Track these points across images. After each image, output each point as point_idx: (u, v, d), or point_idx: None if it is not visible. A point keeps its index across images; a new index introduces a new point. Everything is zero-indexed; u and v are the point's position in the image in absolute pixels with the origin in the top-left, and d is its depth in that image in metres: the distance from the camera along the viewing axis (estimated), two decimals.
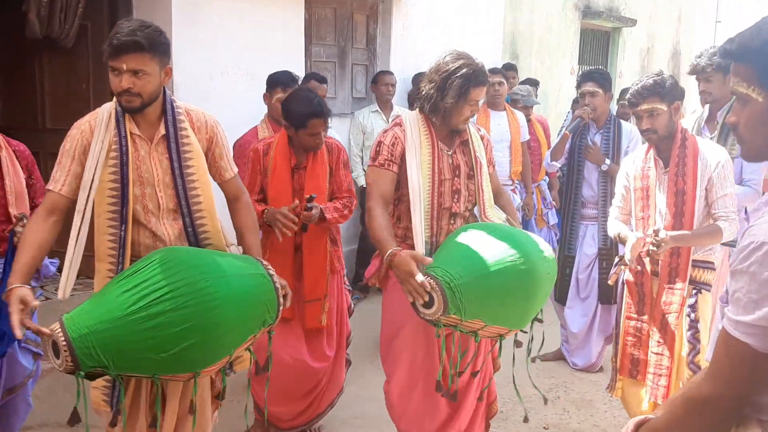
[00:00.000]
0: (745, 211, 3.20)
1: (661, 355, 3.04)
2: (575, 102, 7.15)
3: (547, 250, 2.68)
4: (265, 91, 4.15)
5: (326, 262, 3.38)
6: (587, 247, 4.44)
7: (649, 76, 3.07)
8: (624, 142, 4.28)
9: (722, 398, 1.34)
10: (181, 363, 2.08)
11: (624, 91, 6.07)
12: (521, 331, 2.74)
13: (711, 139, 3.87)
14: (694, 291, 3.07)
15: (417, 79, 6.05)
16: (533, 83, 6.94)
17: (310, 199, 3.17)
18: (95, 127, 2.35)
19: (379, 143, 2.80)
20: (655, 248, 2.90)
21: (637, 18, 10.75)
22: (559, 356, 4.67)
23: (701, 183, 3.00)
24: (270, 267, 2.36)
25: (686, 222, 3.01)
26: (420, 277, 2.37)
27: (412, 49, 6.49)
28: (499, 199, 3.01)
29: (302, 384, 3.46)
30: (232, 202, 2.64)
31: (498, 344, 2.75)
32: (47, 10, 4.40)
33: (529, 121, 5.89)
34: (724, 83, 3.71)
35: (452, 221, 2.83)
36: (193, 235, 2.46)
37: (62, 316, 2.06)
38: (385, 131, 2.85)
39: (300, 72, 5.29)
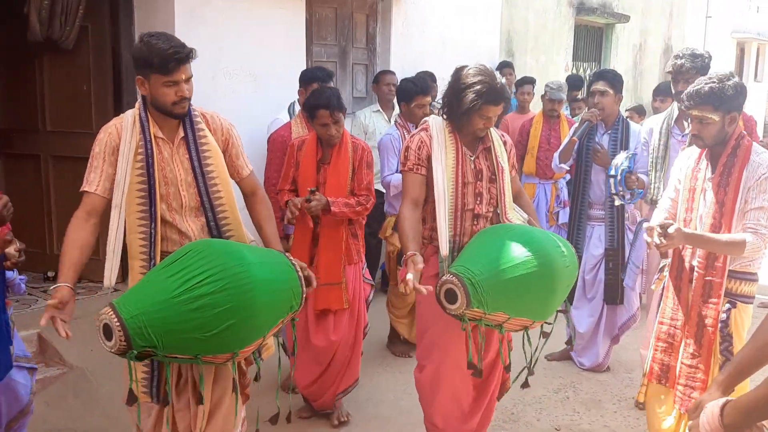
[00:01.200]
0: None
1: (696, 368, 2.90)
2: (573, 100, 7.17)
3: (565, 245, 2.82)
4: (299, 86, 4.34)
5: (341, 250, 3.61)
6: (594, 248, 4.45)
7: (711, 79, 2.81)
8: (632, 144, 4.26)
9: None
10: (222, 343, 2.24)
11: (657, 90, 6.14)
12: (546, 323, 2.87)
13: (683, 137, 3.90)
14: (728, 305, 2.87)
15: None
16: (530, 81, 6.93)
17: (312, 192, 3.44)
18: (122, 131, 2.52)
19: (407, 148, 2.97)
20: (659, 241, 2.74)
21: (629, 14, 10.79)
22: (565, 356, 4.68)
23: (742, 195, 2.80)
24: (291, 257, 2.54)
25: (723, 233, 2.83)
26: (409, 275, 2.58)
27: (412, 48, 6.47)
28: (519, 200, 3.17)
29: (315, 363, 3.68)
30: (249, 196, 2.81)
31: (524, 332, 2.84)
32: (48, 11, 4.36)
33: (558, 117, 5.88)
34: None
35: (475, 222, 2.96)
36: (216, 230, 2.62)
37: (111, 300, 2.20)
38: (412, 136, 3.01)
39: None
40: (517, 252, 2.61)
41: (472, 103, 2.79)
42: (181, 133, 2.57)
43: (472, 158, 2.96)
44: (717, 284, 2.85)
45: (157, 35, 2.45)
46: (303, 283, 2.48)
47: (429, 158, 2.91)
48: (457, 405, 3.09)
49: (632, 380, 4.41)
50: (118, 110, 4.72)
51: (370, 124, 5.60)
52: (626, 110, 7.48)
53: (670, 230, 2.70)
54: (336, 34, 5.92)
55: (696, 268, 2.92)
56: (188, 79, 2.48)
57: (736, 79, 2.83)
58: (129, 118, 2.55)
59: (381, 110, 5.67)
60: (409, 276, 2.58)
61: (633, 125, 4.40)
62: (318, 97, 3.55)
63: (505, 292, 2.58)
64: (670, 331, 3.02)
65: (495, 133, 3.05)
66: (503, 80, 2.95)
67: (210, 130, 2.62)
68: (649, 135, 4.16)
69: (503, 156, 3.03)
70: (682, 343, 2.96)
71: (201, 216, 2.61)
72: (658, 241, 2.74)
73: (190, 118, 2.57)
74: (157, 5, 4.56)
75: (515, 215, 3.02)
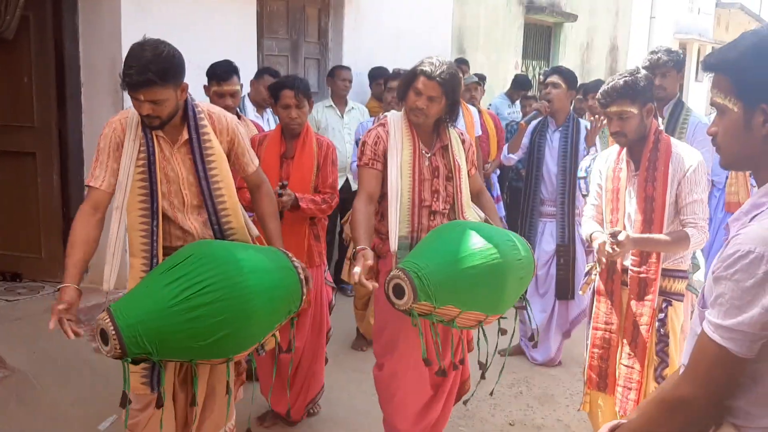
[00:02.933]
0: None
1: (632, 368, 2.88)
2: (524, 98, 7.25)
3: (519, 241, 2.82)
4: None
5: (302, 250, 3.47)
6: (546, 244, 4.50)
7: (622, 75, 2.85)
8: (582, 141, 4.32)
9: (698, 400, 1.37)
10: (217, 350, 2.28)
11: (581, 87, 6.19)
12: (502, 317, 2.87)
13: None
14: (665, 303, 2.90)
15: (374, 73, 6.02)
16: (480, 78, 6.98)
17: (282, 186, 3.31)
18: (126, 127, 2.52)
19: (363, 143, 2.97)
20: (611, 251, 2.75)
21: (577, 13, 10.97)
22: (518, 351, 4.72)
23: (671, 189, 2.83)
24: (294, 258, 2.55)
25: (655, 229, 2.84)
26: (356, 269, 2.57)
27: (364, 43, 6.44)
28: (480, 198, 3.18)
29: (279, 373, 3.54)
30: (254, 191, 2.84)
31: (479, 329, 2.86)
32: None
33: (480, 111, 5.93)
34: (677, 79, 3.86)
35: (432, 218, 2.97)
36: (219, 232, 2.63)
37: (109, 305, 2.21)
38: (369, 131, 3.01)
39: (253, 66, 5.18)
40: (466, 245, 2.61)
41: (409, 75, 2.88)
42: (185, 135, 2.56)
43: (429, 155, 2.97)
44: (651, 281, 2.85)
45: (144, 46, 2.37)
46: (303, 285, 2.49)
47: (385, 154, 2.91)
48: (414, 403, 3.08)
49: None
50: (62, 103, 4.56)
51: (323, 119, 5.56)
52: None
53: (620, 237, 2.70)
54: (288, 27, 5.84)
55: (630, 267, 2.91)
56: (155, 101, 2.37)
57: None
58: (133, 115, 2.53)
59: (334, 105, 5.63)
60: (356, 270, 2.57)
61: (583, 123, 4.46)
62: (284, 79, 3.56)
63: (454, 285, 2.57)
64: (605, 336, 2.98)
65: (453, 132, 3.05)
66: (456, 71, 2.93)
67: (216, 131, 2.61)
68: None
69: (461, 154, 3.03)
70: (620, 346, 2.93)
71: (203, 214, 2.63)
72: (611, 251, 2.73)
73: (195, 120, 2.56)
74: None
75: (472, 213, 3.02)
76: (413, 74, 2.87)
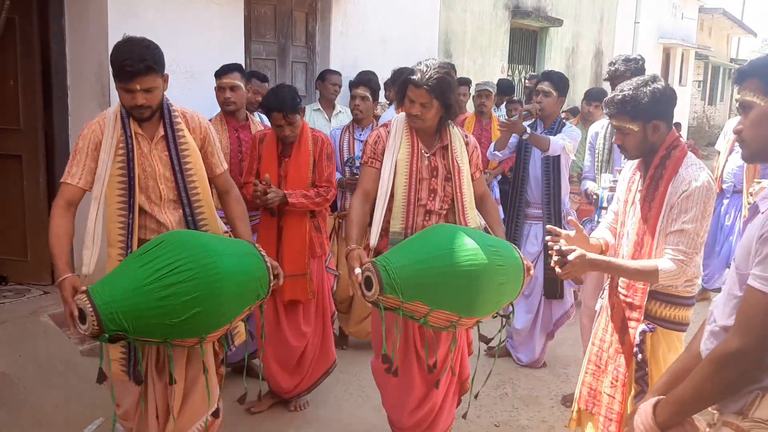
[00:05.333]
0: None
1: (612, 397, 2.66)
2: (510, 102, 7.30)
3: (505, 248, 2.79)
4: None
5: (305, 242, 3.70)
6: (530, 246, 4.54)
7: (628, 86, 2.57)
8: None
9: (752, 351, 1.51)
10: (189, 329, 2.39)
11: (587, 94, 6.25)
12: (480, 321, 2.85)
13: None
14: (648, 327, 2.60)
15: (364, 76, 6.04)
16: (466, 82, 7.01)
17: (265, 182, 3.51)
18: (104, 127, 2.67)
19: (365, 143, 3.09)
20: (559, 266, 2.56)
21: (563, 18, 11.05)
22: (503, 353, 4.75)
23: (665, 212, 2.53)
24: (262, 249, 2.66)
25: (644, 253, 2.58)
26: (357, 270, 2.64)
27: (352, 47, 6.46)
28: (484, 203, 3.21)
29: (289, 357, 3.81)
30: (223, 195, 2.96)
31: (476, 328, 2.93)
32: None
33: (489, 116, 6.05)
34: None
35: (427, 218, 3.03)
36: (193, 223, 2.78)
37: (87, 287, 2.34)
38: (372, 131, 3.15)
39: None
40: (443, 246, 2.65)
41: (402, 83, 2.96)
42: (161, 132, 2.72)
43: (428, 155, 3.03)
44: (636, 306, 2.62)
45: (131, 41, 2.56)
46: (271, 272, 2.62)
47: (384, 152, 3.02)
48: (406, 395, 3.14)
49: (568, 376, 4.52)
50: (48, 106, 4.56)
51: (310, 122, 5.55)
52: (562, 111, 7.65)
53: (571, 257, 2.49)
54: (275, 31, 5.86)
55: (619, 287, 2.71)
56: (149, 89, 2.57)
57: (657, 84, 2.56)
58: (111, 115, 2.69)
59: (321, 109, 5.65)
60: (358, 271, 2.63)
61: (568, 126, 4.51)
62: (273, 98, 3.60)
63: (421, 281, 2.59)
64: (599, 353, 2.80)
65: (457, 133, 3.10)
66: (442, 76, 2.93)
67: (189, 129, 2.78)
68: (594, 139, 4.32)
69: (463, 156, 3.07)
70: (606, 371, 2.74)
71: (179, 208, 2.76)
72: (556, 264, 2.56)
73: (170, 117, 2.72)
74: None
75: (474, 216, 3.06)
76: (404, 82, 2.93)
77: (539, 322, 4.60)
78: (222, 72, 4.16)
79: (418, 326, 3.01)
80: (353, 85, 4.91)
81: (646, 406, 1.73)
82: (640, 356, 2.59)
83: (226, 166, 2.95)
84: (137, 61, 2.50)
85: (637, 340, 2.60)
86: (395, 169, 2.99)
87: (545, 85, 4.40)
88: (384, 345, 2.82)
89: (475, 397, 3.35)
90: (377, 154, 3.02)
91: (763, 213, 1.58)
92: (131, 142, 2.67)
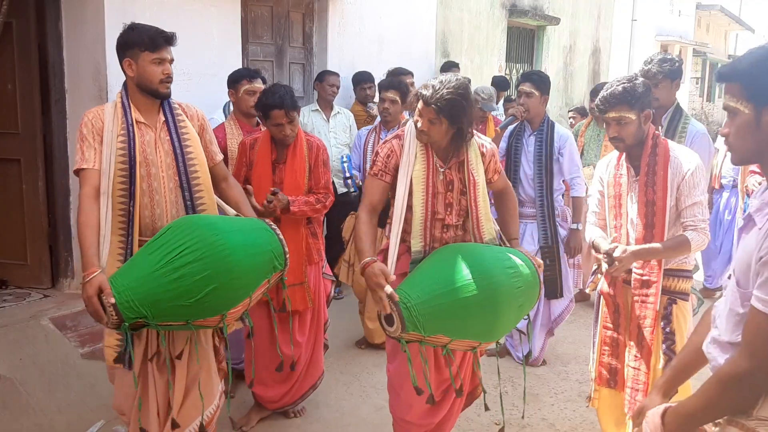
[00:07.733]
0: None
1: (638, 369, 2.93)
2: (507, 101, 7.32)
3: (520, 265, 2.76)
4: (228, 88, 4.26)
5: (302, 250, 3.61)
6: (526, 245, 4.53)
7: (620, 81, 2.88)
8: (556, 145, 4.40)
9: (757, 373, 1.53)
10: (208, 306, 2.46)
11: (594, 92, 6.22)
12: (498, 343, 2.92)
13: None
14: (669, 301, 2.94)
15: (359, 77, 6.05)
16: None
17: (274, 194, 3.41)
18: (104, 116, 2.70)
19: (376, 153, 2.99)
20: (608, 265, 2.83)
21: (560, 16, 11.06)
22: (503, 351, 4.76)
23: (671, 192, 2.86)
24: (272, 224, 2.76)
25: (657, 233, 2.87)
26: (389, 289, 2.53)
27: (349, 47, 6.47)
28: (503, 197, 3.17)
29: (280, 366, 3.65)
30: (222, 181, 3.04)
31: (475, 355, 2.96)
32: None
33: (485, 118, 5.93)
34: (671, 89, 3.81)
35: (445, 230, 2.99)
36: (192, 209, 2.81)
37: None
38: (384, 142, 3.01)
39: None
40: (460, 275, 2.60)
41: (415, 95, 2.90)
42: (162, 118, 2.78)
43: (443, 170, 2.94)
44: (653, 283, 2.89)
45: (142, 24, 2.78)
46: (284, 244, 2.72)
47: (397, 168, 2.91)
48: (417, 404, 3.08)
49: (567, 373, 4.53)
50: (46, 110, 4.56)
51: (308, 123, 5.58)
52: (569, 111, 7.68)
53: (616, 254, 2.77)
54: (272, 32, 5.87)
55: (633, 269, 2.94)
56: (171, 61, 2.75)
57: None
58: (110, 106, 2.74)
59: (320, 109, 5.66)
60: (389, 290, 2.53)
61: (558, 127, 4.51)
62: (271, 96, 3.49)
63: (442, 316, 2.57)
64: (614, 336, 3.03)
65: (474, 144, 2.97)
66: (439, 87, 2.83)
67: (187, 117, 2.86)
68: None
69: (479, 169, 2.96)
70: (627, 347, 2.99)
71: (179, 196, 2.80)
72: (608, 267, 2.79)
73: (168, 104, 2.81)
74: (85, 1, 4.41)
75: (490, 228, 2.98)
76: (416, 95, 2.84)
77: (539, 320, 4.61)
78: (250, 76, 4.19)
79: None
80: (382, 87, 4.83)
81: (654, 416, 1.76)
82: (668, 329, 2.90)
83: (222, 156, 3.03)
84: (160, 32, 2.72)
85: (665, 312, 2.92)
86: (410, 186, 2.90)
87: (526, 86, 4.41)
88: (411, 373, 2.71)
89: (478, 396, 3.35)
90: (389, 168, 2.92)
91: (760, 228, 1.57)
92: (132, 130, 2.70)
